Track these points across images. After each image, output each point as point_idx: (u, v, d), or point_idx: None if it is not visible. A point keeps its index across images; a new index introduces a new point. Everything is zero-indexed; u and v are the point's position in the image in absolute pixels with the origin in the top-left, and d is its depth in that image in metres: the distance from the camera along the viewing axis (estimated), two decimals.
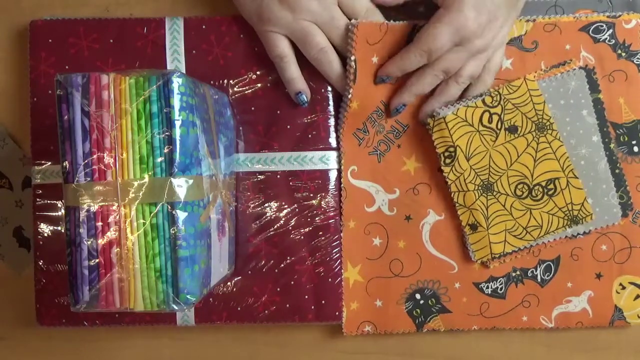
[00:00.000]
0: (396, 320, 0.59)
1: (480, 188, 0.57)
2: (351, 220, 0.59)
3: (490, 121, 0.57)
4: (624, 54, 0.58)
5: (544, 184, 0.57)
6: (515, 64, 0.58)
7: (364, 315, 0.59)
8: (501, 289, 0.59)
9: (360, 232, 0.59)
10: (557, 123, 0.58)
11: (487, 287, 0.59)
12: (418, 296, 0.59)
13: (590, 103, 0.58)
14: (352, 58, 0.55)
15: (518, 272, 0.59)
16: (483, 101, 0.57)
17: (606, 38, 0.58)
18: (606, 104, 0.58)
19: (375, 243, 0.59)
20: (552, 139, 0.57)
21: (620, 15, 0.58)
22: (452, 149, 0.57)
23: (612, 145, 0.58)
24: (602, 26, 0.58)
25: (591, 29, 0.58)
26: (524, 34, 0.58)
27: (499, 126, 0.57)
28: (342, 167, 0.58)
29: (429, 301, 0.59)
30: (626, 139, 0.59)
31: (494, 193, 0.58)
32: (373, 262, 0.59)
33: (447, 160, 0.57)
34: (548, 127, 0.57)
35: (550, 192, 0.57)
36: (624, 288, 0.59)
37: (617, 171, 0.58)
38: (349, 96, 0.56)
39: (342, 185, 0.58)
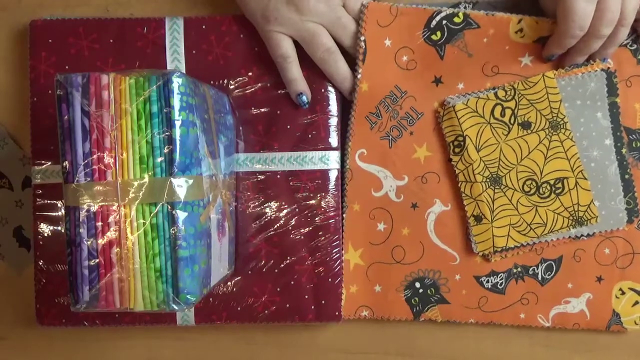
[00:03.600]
0: (394, 307, 0.59)
1: (488, 180, 0.57)
2: (356, 202, 0.59)
3: (502, 115, 0.57)
4: None
5: (552, 182, 0.57)
6: (534, 61, 0.57)
7: (362, 299, 0.59)
8: (501, 284, 0.59)
9: (365, 216, 0.59)
10: (571, 123, 0.57)
11: (488, 281, 0.59)
12: (418, 285, 0.59)
13: (606, 106, 0.57)
14: (362, 38, 0.55)
15: (519, 269, 0.59)
16: (495, 94, 0.57)
17: (628, 42, 0.58)
18: (621, 108, 0.58)
19: (380, 228, 0.59)
20: (564, 138, 0.57)
21: None
22: (461, 138, 0.57)
23: (623, 150, 0.58)
24: None
25: None
26: (546, 35, 0.57)
27: (511, 120, 0.57)
28: (350, 148, 0.58)
29: (428, 290, 0.59)
30: (638, 144, 0.58)
31: (502, 187, 0.58)
32: (376, 247, 0.59)
33: (456, 150, 0.57)
34: (561, 126, 0.57)
35: (557, 191, 0.57)
36: (623, 293, 0.59)
37: (626, 176, 0.58)
38: (358, 77, 0.56)
39: (347, 166, 0.58)
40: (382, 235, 0.59)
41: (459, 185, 0.58)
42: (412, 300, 0.59)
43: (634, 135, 0.58)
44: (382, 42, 0.56)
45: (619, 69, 0.58)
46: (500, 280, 0.59)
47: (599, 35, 0.53)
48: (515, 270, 0.59)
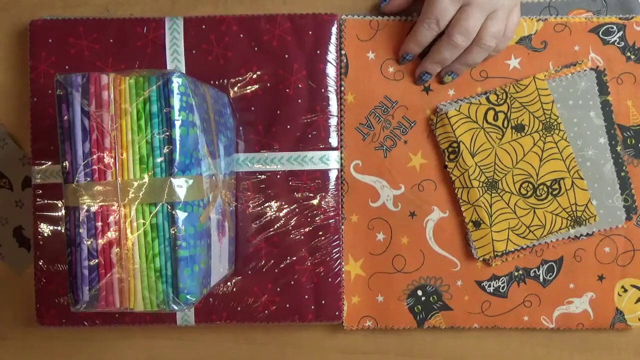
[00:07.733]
0: (397, 316, 0.59)
1: (484, 185, 0.58)
2: (354, 214, 0.59)
3: (495, 119, 0.57)
4: (633, 57, 0.58)
5: (548, 183, 0.57)
6: (523, 63, 0.58)
7: (364, 310, 0.59)
8: (503, 287, 0.59)
9: (364, 226, 0.59)
10: (565, 123, 0.57)
11: (489, 286, 0.59)
12: (420, 292, 0.59)
13: (599, 105, 0.58)
14: (343, 52, 0.57)
15: (520, 272, 0.59)
16: (487, 99, 0.57)
17: (615, 40, 0.58)
18: (614, 106, 0.58)
19: (379, 238, 0.59)
20: (558, 139, 0.57)
21: (632, 17, 0.58)
22: (455, 145, 0.57)
23: (618, 148, 0.58)
24: (612, 28, 0.58)
25: (601, 30, 0.58)
26: (534, 33, 0.58)
27: (505, 124, 0.57)
28: (344, 161, 0.58)
29: (431, 298, 0.59)
30: (633, 142, 0.59)
31: (499, 191, 0.58)
32: (376, 257, 0.59)
33: (451, 156, 0.58)
34: (555, 127, 0.57)
35: (554, 192, 0.57)
36: (625, 291, 0.59)
37: (622, 174, 0.58)
38: (342, 89, 0.57)
39: (343, 178, 0.58)
40: (381, 245, 0.59)
41: (456, 191, 0.58)
42: (415, 309, 0.59)
43: (628, 133, 0.58)
44: (365, 55, 0.58)
45: (608, 67, 0.58)
46: (502, 284, 0.59)
47: (482, 45, 0.54)
48: (516, 273, 0.59)
